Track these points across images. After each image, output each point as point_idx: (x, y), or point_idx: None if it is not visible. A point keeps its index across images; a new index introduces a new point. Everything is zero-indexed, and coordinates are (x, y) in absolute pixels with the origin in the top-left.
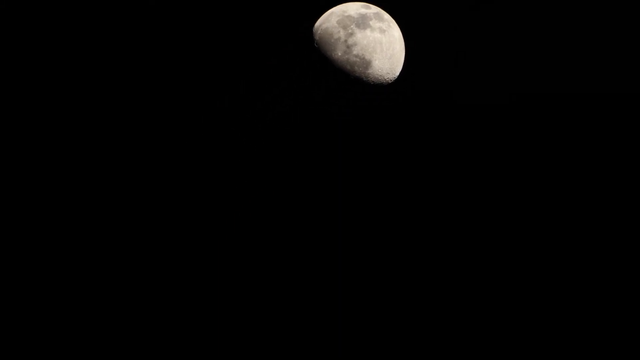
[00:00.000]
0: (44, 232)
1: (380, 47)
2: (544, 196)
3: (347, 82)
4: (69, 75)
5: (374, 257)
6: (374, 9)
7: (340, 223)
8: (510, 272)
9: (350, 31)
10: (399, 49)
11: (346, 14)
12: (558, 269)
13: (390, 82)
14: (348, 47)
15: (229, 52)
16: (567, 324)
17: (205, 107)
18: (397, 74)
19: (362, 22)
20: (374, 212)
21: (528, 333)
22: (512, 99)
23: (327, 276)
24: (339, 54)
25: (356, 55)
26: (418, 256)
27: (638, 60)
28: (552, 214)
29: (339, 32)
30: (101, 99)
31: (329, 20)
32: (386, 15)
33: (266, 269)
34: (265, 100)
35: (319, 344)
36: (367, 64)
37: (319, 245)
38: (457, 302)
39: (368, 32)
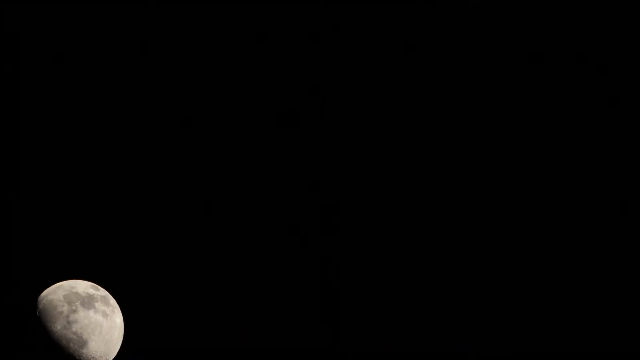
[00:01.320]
0: None
1: (100, 329)
2: None
3: (61, 357)
4: None
5: None
6: (102, 291)
7: None
8: None
9: (74, 308)
10: (117, 336)
11: (74, 291)
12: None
13: None
14: (69, 322)
15: None
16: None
17: None
18: (111, 359)
19: (87, 301)
20: None
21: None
22: None
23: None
24: (58, 327)
25: (74, 333)
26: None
27: None
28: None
29: (63, 306)
30: None
31: (55, 293)
32: (112, 301)
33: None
34: None
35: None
36: (84, 343)
37: None
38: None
39: (91, 312)
